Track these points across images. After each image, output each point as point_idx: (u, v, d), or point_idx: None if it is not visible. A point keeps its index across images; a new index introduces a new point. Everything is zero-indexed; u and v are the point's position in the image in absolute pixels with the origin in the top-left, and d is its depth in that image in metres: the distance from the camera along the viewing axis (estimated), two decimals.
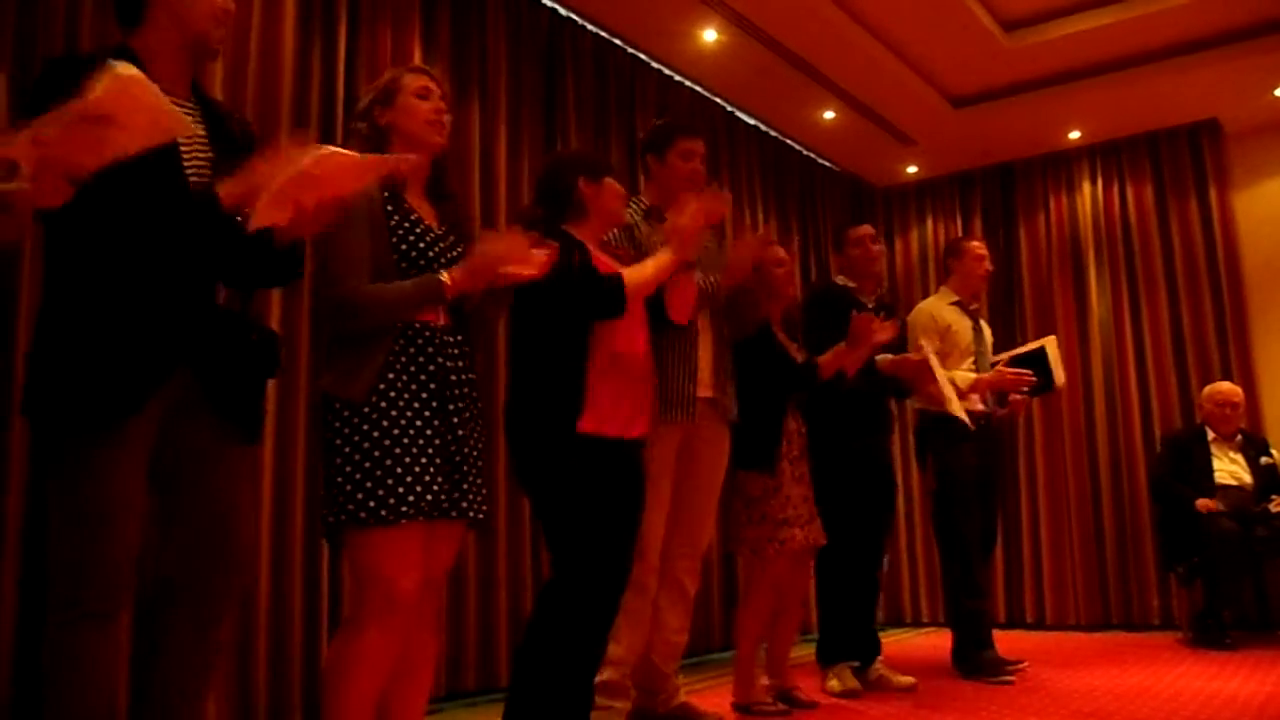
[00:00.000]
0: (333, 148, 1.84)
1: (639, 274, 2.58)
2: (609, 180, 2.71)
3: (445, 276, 2.08)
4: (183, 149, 1.90)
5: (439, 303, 2.11)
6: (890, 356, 3.88)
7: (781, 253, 3.65)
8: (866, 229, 4.12)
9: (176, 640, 1.92)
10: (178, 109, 1.62)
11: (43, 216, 1.68)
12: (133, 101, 1.51)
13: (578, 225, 2.65)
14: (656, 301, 2.76)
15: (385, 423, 2.02)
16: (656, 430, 2.88)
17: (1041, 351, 4.22)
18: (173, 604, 1.92)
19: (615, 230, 2.91)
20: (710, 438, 3.20)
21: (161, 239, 1.85)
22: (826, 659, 3.88)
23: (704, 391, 3.14)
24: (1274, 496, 5.09)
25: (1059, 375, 4.25)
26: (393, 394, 2.04)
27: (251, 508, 2.49)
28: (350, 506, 1.98)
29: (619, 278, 2.52)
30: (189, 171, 1.91)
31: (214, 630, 1.97)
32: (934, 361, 3.88)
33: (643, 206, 3.18)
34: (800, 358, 3.58)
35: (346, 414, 2.03)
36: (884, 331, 3.59)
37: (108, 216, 1.79)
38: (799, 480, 3.48)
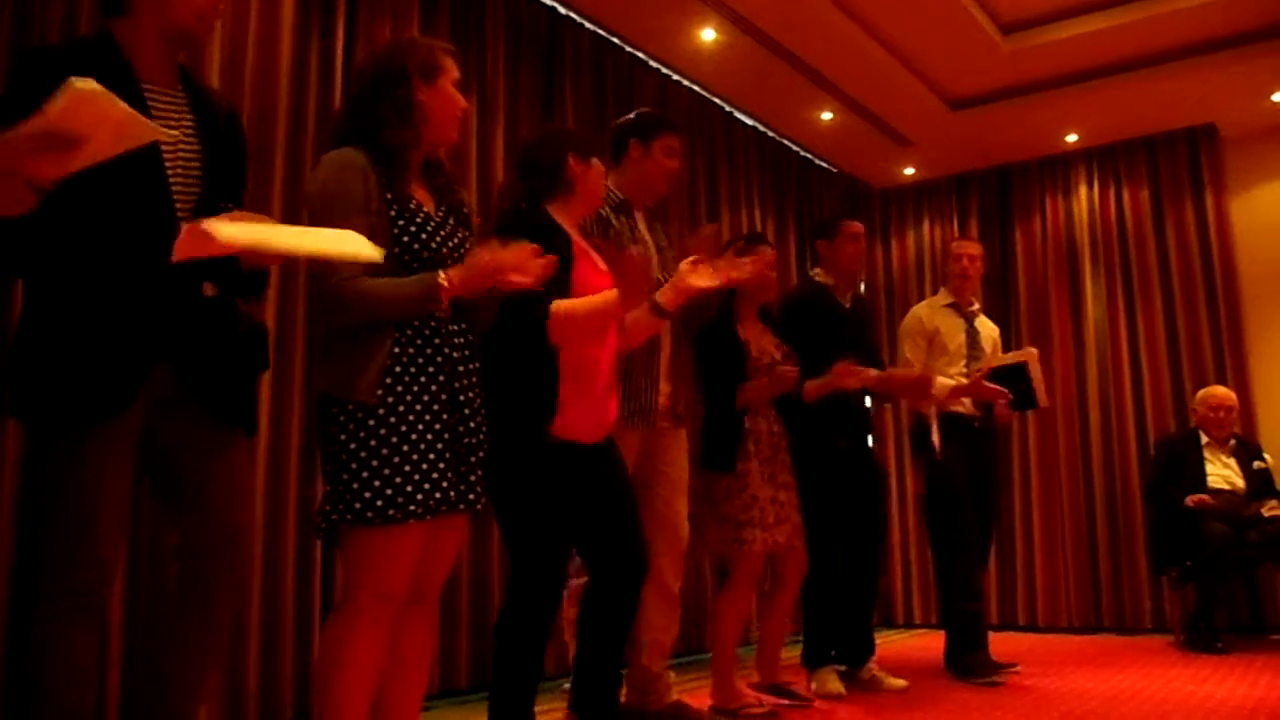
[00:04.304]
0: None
1: (570, 308, 2.44)
2: (597, 160, 2.67)
3: (443, 278, 1.96)
4: (164, 148, 1.87)
5: (435, 305, 1.99)
6: (874, 373, 3.82)
7: (768, 254, 3.63)
8: (860, 226, 4.09)
9: (181, 638, 1.92)
10: (143, 117, 1.59)
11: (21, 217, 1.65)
12: (94, 116, 1.49)
13: (561, 204, 2.60)
14: None
15: (393, 419, 1.96)
16: (619, 436, 2.81)
17: (1022, 366, 4.20)
18: (177, 603, 1.92)
19: (588, 218, 2.84)
20: (672, 437, 3.16)
21: (141, 236, 1.83)
22: (812, 662, 3.86)
23: (663, 395, 3.09)
24: (1267, 500, 5.11)
25: (1041, 395, 4.23)
26: (400, 388, 1.98)
27: (250, 502, 2.47)
28: (357, 505, 1.93)
29: (546, 311, 2.41)
30: (175, 167, 1.89)
31: (217, 628, 1.96)
32: (935, 393, 3.84)
33: (615, 199, 3.04)
34: (779, 354, 3.56)
35: (354, 413, 1.96)
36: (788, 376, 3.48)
37: (87, 214, 1.78)
38: (769, 481, 3.44)
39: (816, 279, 4.07)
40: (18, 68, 1.87)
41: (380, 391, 1.96)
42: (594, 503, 2.55)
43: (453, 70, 2.15)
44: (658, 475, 3.12)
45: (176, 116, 1.93)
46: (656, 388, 3.04)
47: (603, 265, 2.62)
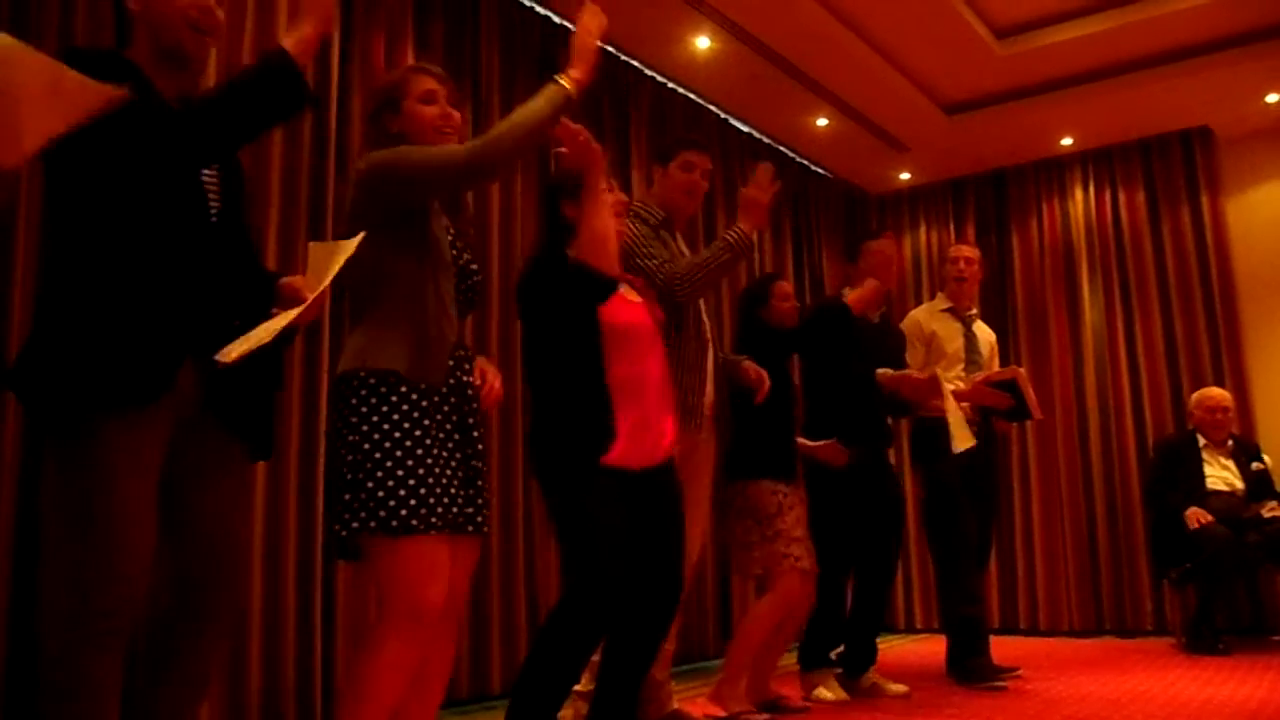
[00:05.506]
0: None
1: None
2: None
3: (565, 81, 2.14)
4: None
5: (567, 109, 2.15)
6: (890, 371, 3.83)
7: (788, 287, 3.66)
8: (884, 245, 4.04)
9: (171, 662, 1.86)
10: (83, 75, 1.51)
11: (49, 197, 1.63)
12: (11, 67, 1.42)
13: (577, 245, 2.58)
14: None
15: (441, 414, 1.97)
16: None
17: (1011, 382, 4.19)
18: (168, 627, 1.86)
19: (642, 233, 3.00)
20: (705, 445, 3.19)
21: (177, 236, 1.81)
22: (809, 664, 3.85)
23: (708, 395, 3.13)
24: (1266, 501, 5.10)
25: (1034, 409, 4.23)
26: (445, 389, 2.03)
27: (246, 526, 2.42)
28: (381, 513, 1.88)
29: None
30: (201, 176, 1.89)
31: (208, 653, 1.90)
32: (946, 390, 3.83)
33: (658, 216, 3.18)
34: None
35: (416, 399, 1.93)
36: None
37: (118, 206, 1.76)
38: (803, 503, 3.48)
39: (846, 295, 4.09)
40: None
41: (415, 396, 1.97)
42: (637, 532, 2.51)
43: (418, 84, 2.17)
44: (689, 484, 3.11)
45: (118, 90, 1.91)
46: (703, 390, 3.09)
47: (633, 296, 2.65)
